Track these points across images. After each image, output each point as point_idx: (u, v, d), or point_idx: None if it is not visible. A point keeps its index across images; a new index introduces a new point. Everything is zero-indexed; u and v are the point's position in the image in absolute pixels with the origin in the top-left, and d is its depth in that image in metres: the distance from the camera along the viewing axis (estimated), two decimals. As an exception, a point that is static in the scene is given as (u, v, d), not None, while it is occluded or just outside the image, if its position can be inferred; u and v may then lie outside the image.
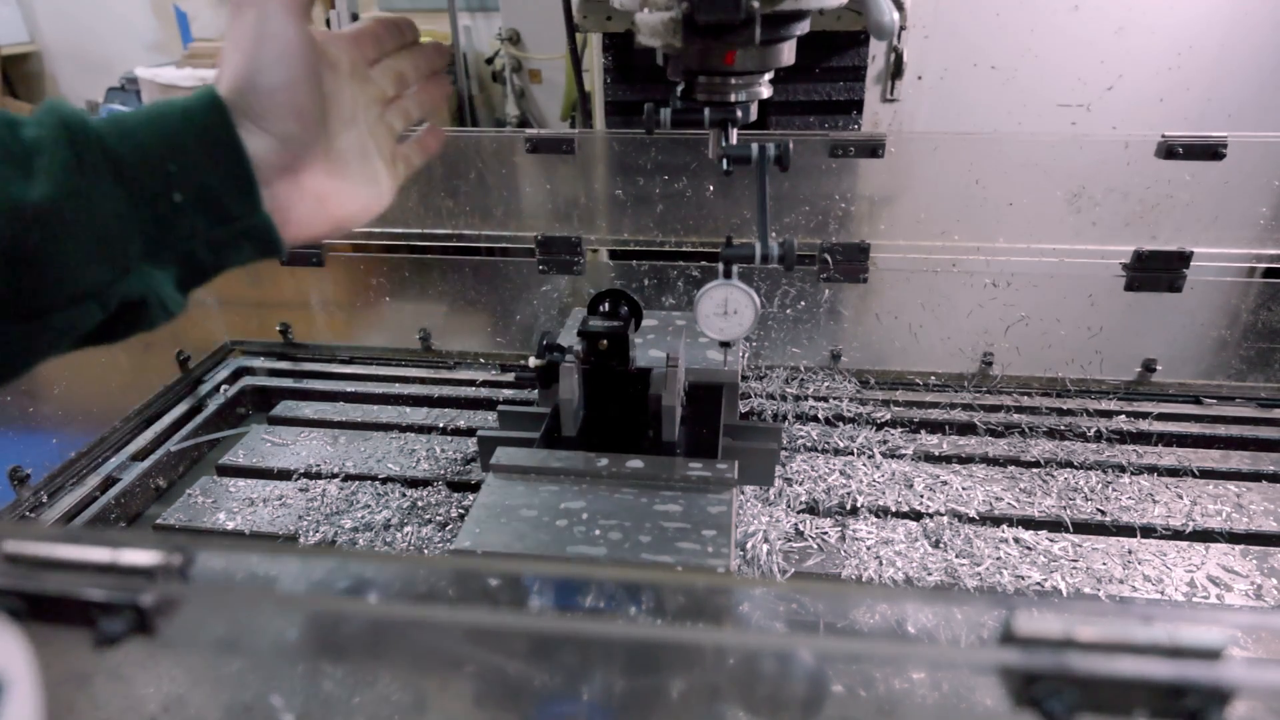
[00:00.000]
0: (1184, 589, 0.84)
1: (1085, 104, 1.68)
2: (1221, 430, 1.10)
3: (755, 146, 0.77)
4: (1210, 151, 1.05)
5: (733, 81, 0.76)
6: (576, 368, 0.86)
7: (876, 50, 1.63)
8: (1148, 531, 0.92)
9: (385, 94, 0.60)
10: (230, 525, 0.96)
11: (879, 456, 1.05)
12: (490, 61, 3.89)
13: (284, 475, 1.06)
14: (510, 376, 1.27)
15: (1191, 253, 1.11)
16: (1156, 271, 1.13)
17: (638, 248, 1.25)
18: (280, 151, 0.50)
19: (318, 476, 1.05)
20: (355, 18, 3.33)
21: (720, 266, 0.83)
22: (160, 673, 0.44)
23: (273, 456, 1.09)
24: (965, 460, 1.06)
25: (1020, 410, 1.15)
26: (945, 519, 0.93)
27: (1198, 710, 0.31)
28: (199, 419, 1.17)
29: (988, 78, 1.68)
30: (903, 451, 1.06)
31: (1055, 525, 0.94)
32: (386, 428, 1.16)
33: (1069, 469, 1.03)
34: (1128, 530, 0.93)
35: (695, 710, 0.40)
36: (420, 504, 0.99)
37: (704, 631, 0.37)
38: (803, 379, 1.21)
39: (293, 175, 0.52)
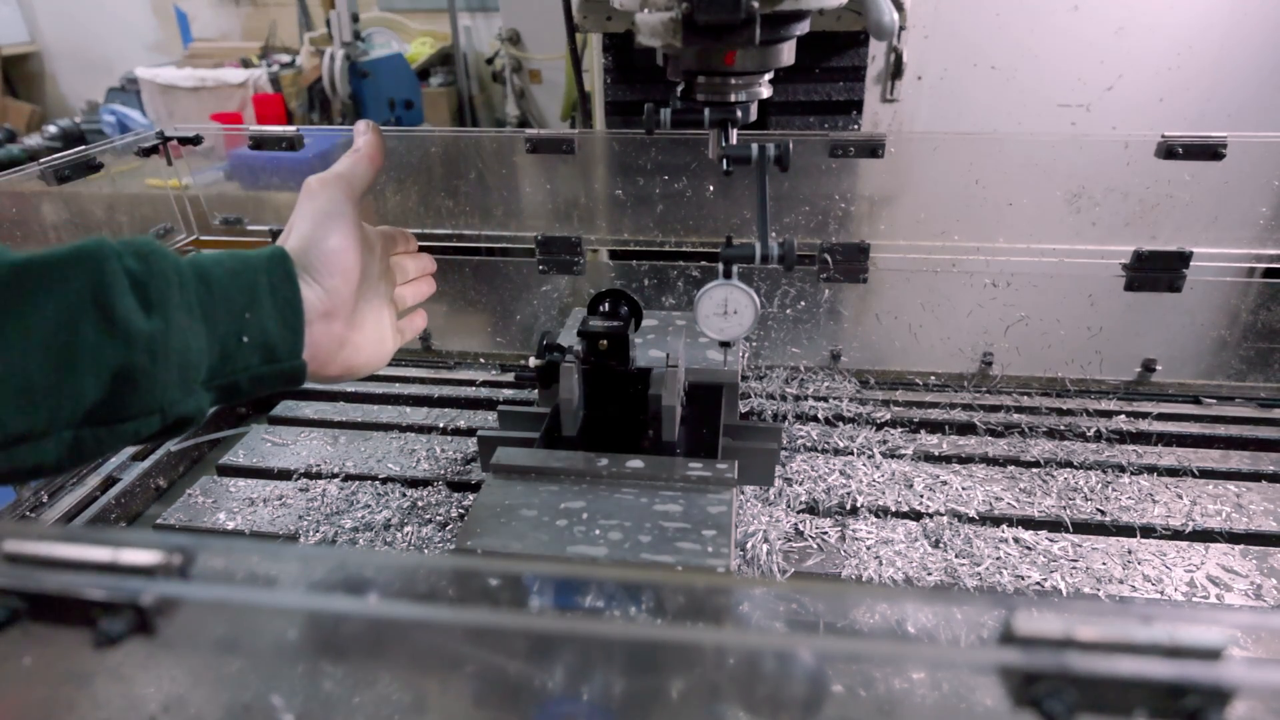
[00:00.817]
0: (1184, 589, 0.84)
1: (1085, 104, 1.68)
2: (1221, 430, 1.10)
3: (755, 146, 0.77)
4: (1210, 151, 1.05)
5: (733, 81, 0.76)
6: (576, 368, 0.86)
7: (876, 50, 1.63)
8: (1148, 531, 0.92)
9: (395, 279, 0.78)
10: (230, 525, 0.96)
11: (879, 456, 1.05)
12: (490, 61, 3.89)
13: (284, 475, 1.06)
14: (510, 376, 1.27)
15: (1191, 253, 1.11)
16: (1156, 271, 1.13)
17: (638, 248, 1.25)
18: (324, 300, 0.63)
19: (318, 476, 1.05)
20: (355, 18, 3.33)
21: (720, 266, 0.83)
22: (160, 673, 0.44)
23: (273, 456, 1.09)
24: (965, 460, 1.06)
25: (1020, 410, 1.15)
26: (945, 519, 0.93)
27: (1198, 710, 0.31)
28: (199, 419, 1.17)
29: (988, 78, 1.68)
30: (903, 451, 1.06)
31: (1055, 525, 0.94)
32: (386, 428, 1.16)
33: (1069, 469, 1.03)
34: (1128, 530, 0.93)
35: (695, 710, 0.40)
36: (420, 504, 0.99)
37: (704, 631, 0.37)
38: (803, 379, 1.21)
39: (327, 321, 0.64)
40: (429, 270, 0.85)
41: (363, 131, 0.71)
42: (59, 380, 0.47)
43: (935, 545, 0.90)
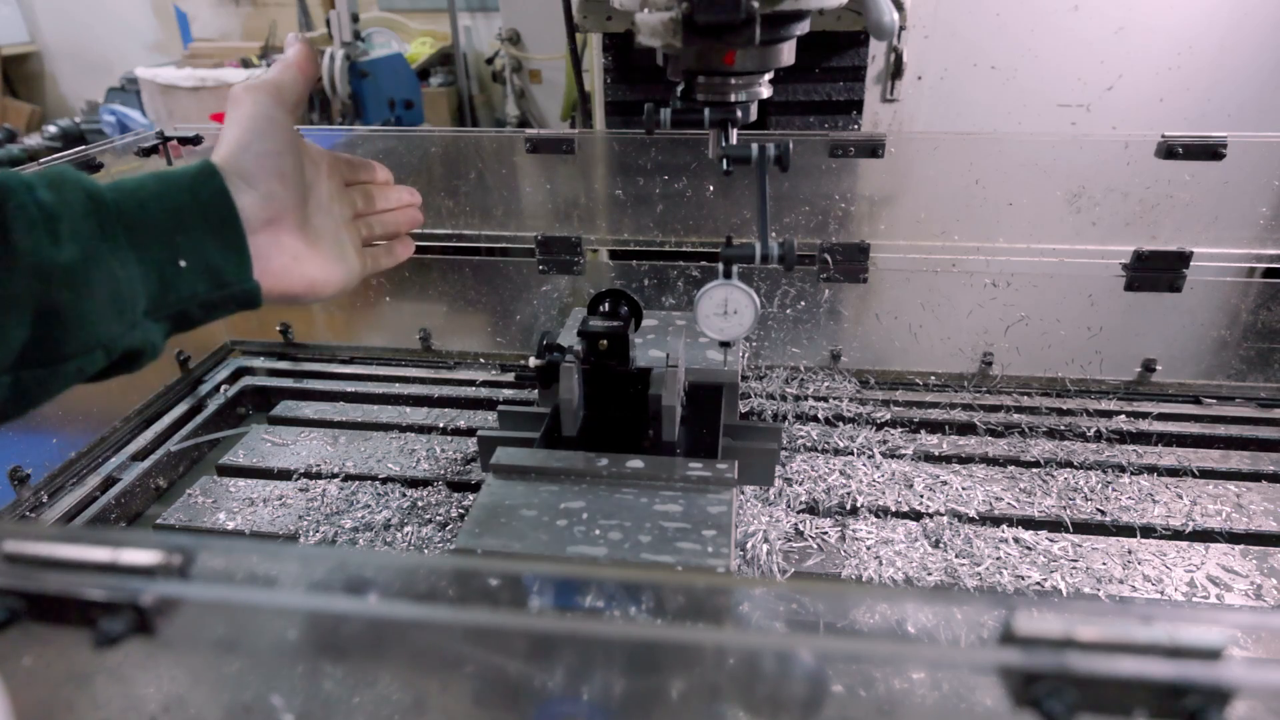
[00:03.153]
0: (1184, 589, 0.84)
1: (1085, 104, 1.68)
2: (1221, 430, 1.10)
3: (755, 146, 0.77)
4: (1210, 151, 1.05)
5: (732, 81, 0.76)
6: (576, 368, 0.86)
7: (876, 50, 1.63)
8: (1148, 531, 0.92)
9: (356, 205, 0.73)
10: (230, 525, 0.96)
11: (879, 456, 1.05)
12: (490, 61, 3.89)
13: (284, 475, 1.06)
14: (510, 376, 1.27)
15: (1191, 253, 1.11)
16: (1156, 271, 1.13)
17: (638, 248, 1.25)
18: (263, 204, 0.60)
19: (318, 476, 1.05)
20: (355, 18, 3.33)
21: (720, 266, 0.83)
22: (160, 673, 0.44)
23: (273, 456, 1.09)
24: (965, 460, 1.06)
25: (1020, 410, 1.15)
26: (945, 519, 0.93)
27: (1198, 710, 0.31)
28: (199, 419, 1.17)
29: (988, 78, 1.68)
30: (903, 451, 1.06)
31: (1055, 525, 0.94)
32: (386, 428, 1.16)
33: (1069, 469, 1.03)
34: (1128, 530, 0.93)
35: (695, 710, 0.40)
36: (420, 504, 0.99)
37: (704, 631, 0.37)
38: (803, 379, 1.21)
39: (273, 230, 0.61)
40: (408, 201, 0.80)
41: (292, 43, 0.67)
42: None
43: (935, 545, 0.90)
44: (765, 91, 0.78)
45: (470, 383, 1.25)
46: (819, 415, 1.13)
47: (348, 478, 1.05)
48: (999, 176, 1.14)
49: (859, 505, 0.96)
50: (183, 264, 0.54)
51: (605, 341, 0.87)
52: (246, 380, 1.27)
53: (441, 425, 1.15)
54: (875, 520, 0.94)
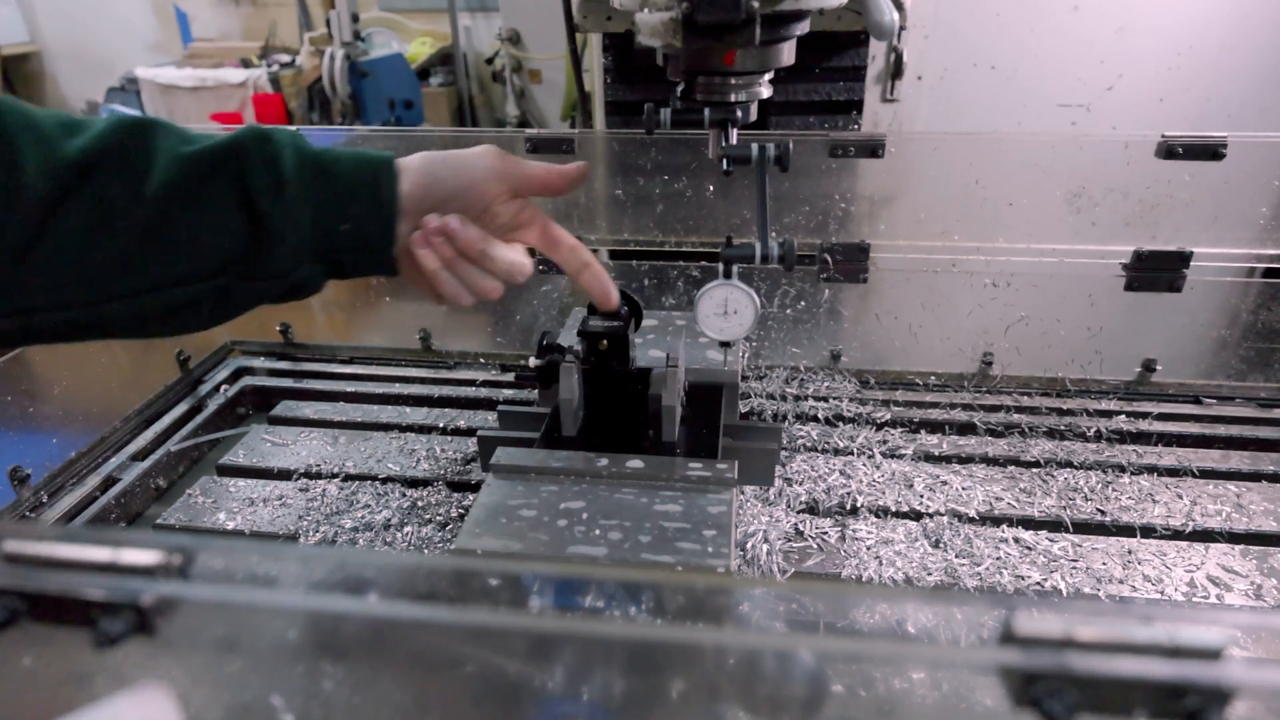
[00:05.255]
0: (1184, 589, 0.84)
1: (1085, 104, 1.68)
2: (1221, 430, 1.10)
3: (755, 146, 0.77)
4: (1210, 151, 1.05)
5: (732, 81, 0.76)
6: (576, 368, 0.86)
7: (876, 50, 1.63)
8: (1148, 531, 0.92)
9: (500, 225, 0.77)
10: (230, 525, 0.96)
11: (879, 456, 1.05)
12: (490, 61, 3.89)
13: (284, 475, 1.06)
14: (510, 376, 1.27)
15: (1191, 253, 1.11)
16: (1156, 271, 1.13)
17: (638, 248, 1.25)
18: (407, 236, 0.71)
19: (318, 476, 1.05)
20: (355, 18, 3.33)
21: (720, 266, 0.83)
22: (160, 673, 0.44)
23: (273, 456, 1.09)
24: (965, 460, 1.06)
25: (1020, 410, 1.15)
26: (945, 519, 0.93)
27: (1198, 710, 0.31)
28: (199, 419, 1.17)
29: (988, 78, 1.68)
30: (903, 451, 1.06)
31: (1055, 525, 0.94)
32: (386, 428, 1.16)
33: (1069, 469, 1.03)
34: (1128, 530, 0.93)
35: (695, 710, 0.40)
36: (420, 504, 0.99)
37: (704, 631, 0.37)
38: (803, 379, 1.21)
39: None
40: (561, 243, 0.81)
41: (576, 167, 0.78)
42: (211, 241, 0.63)
43: (935, 545, 0.90)
44: (765, 91, 0.78)
45: (470, 383, 1.25)
46: (819, 415, 1.13)
47: (348, 478, 1.05)
48: (999, 176, 1.14)
49: (859, 505, 0.96)
50: (344, 227, 0.67)
51: (605, 341, 0.87)
52: (246, 380, 1.27)
53: (441, 425, 1.15)
54: (875, 520, 0.94)
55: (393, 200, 0.68)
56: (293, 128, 0.69)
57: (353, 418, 1.17)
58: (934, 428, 1.12)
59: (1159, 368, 1.18)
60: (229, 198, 0.63)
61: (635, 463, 0.79)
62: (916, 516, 0.95)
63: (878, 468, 1.03)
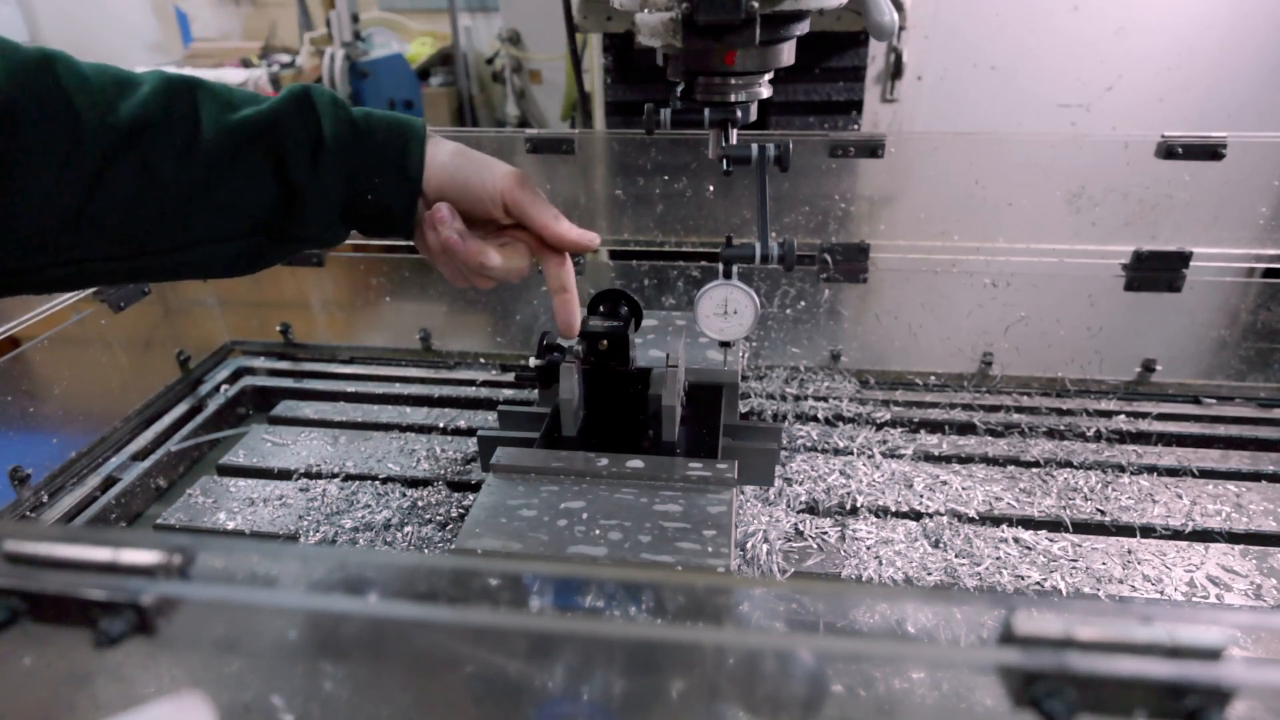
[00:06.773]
0: (1184, 589, 0.84)
1: (1085, 104, 1.68)
2: (1221, 430, 1.10)
3: (755, 146, 0.77)
4: (1210, 151, 1.05)
5: (732, 81, 0.76)
6: (576, 368, 0.86)
7: (876, 51, 1.63)
8: (1147, 531, 0.92)
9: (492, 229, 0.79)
10: (230, 525, 0.96)
11: (879, 456, 1.05)
12: (490, 61, 3.89)
13: (284, 475, 1.06)
14: (510, 376, 1.26)
15: (1191, 253, 1.11)
16: (1156, 271, 1.13)
17: (638, 248, 1.25)
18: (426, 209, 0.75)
19: (318, 476, 1.05)
20: (355, 18, 3.33)
21: (720, 266, 0.83)
22: (160, 673, 0.44)
23: (273, 456, 1.09)
24: (965, 460, 1.06)
25: (1020, 410, 1.15)
26: (945, 519, 0.93)
27: (1198, 710, 0.31)
28: (199, 419, 1.17)
29: (988, 78, 1.68)
30: (902, 451, 1.06)
31: (1055, 525, 0.94)
32: (387, 428, 1.16)
33: (1069, 469, 1.03)
34: (1127, 530, 0.93)
35: (695, 710, 0.40)
36: (420, 504, 0.99)
37: (704, 631, 0.37)
38: (803, 379, 1.21)
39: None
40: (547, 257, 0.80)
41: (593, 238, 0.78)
42: (247, 205, 0.67)
43: (935, 545, 0.90)
44: (765, 91, 0.78)
45: (470, 383, 1.25)
46: (819, 415, 1.13)
47: (348, 478, 1.05)
48: (999, 176, 1.14)
49: (859, 505, 0.96)
50: (370, 198, 0.71)
51: (605, 341, 0.87)
52: (246, 380, 1.27)
53: (441, 425, 1.15)
54: (875, 520, 0.94)
55: (418, 176, 0.72)
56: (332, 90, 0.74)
57: (353, 418, 1.17)
58: (934, 428, 1.12)
59: (1159, 368, 1.18)
60: (266, 167, 0.67)
61: (635, 463, 0.79)
62: (916, 516, 0.95)
63: (878, 468, 1.03)
